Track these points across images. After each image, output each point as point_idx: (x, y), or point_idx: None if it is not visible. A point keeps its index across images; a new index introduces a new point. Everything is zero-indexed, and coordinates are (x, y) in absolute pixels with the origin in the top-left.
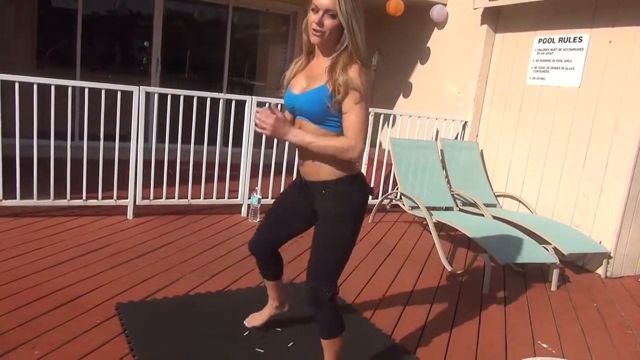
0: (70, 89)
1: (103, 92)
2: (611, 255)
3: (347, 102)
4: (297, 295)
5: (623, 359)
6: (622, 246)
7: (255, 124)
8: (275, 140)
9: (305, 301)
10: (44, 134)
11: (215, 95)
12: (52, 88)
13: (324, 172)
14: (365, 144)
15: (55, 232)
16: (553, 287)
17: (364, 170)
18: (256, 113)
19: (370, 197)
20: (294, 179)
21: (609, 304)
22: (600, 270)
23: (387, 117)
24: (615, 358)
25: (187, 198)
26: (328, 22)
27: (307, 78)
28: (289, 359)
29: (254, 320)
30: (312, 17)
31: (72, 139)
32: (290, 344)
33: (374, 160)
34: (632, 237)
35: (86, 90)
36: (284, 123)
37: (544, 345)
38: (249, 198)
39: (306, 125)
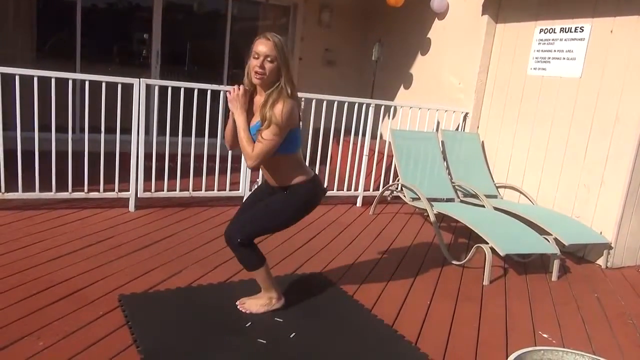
0: (70, 82)
1: (103, 84)
2: (612, 245)
3: (267, 130)
4: (298, 286)
5: (624, 349)
6: (622, 237)
7: (229, 90)
8: None
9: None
10: (44, 127)
11: (215, 87)
12: (53, 81)
13: (283, 181)
14: (257, 164)
15: (57, 224)
16: (554, 278)
17: (365, 162)
18: (236, 85)
19: (323, 194)
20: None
21: (610, 294)
22: (600, 261)
23: (387, 108)
24: (616, 348)
25: (188, 190)
26: (268, 65)
27: (256, 110)
28: (291, 349)
29: (244, 299)
30: (254, 63)
31: (73, 131)
32: (292, 334)
33: (374, 152)
34: (633, 228)
35: (86, 83)
36: (243, 104)
37: (545, 336)
38: (250, 190)
39: None
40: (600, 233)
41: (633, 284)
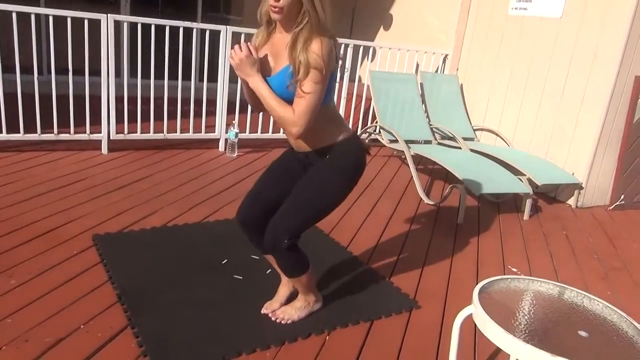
0: (33, 17)
1: (69, 20)
2: (582, 186)
3: (308, 79)
4: None
5: (588, 282)
6: (593, 177)
7: (230, 54)
8: None
9: (265, 246)
10: (8, 68)
11: (188, 24)
12: (14, 15)
13: (319, 142)
14: (306, 127)
15: (26, 166)
16: (525, 217)
17: (343, 104)
18: (237, 45)
19: (367, 157)
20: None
21: (578, 232)
22: (571, 201)
23: (366, 49)
24: (581, 281)
25: (162, 132)
26: None
27: (272, 55)
28: (267, 284)
29: (271, 306)
30: None
31: (40, 73)
32: (268, 270)
33: (353, 95)
34: (604, 168)
35: (50, 19)
36: (253, 65)
37: (514, 270)
38: (226, 132)
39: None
40: (573, 174)
41: (601, 222)
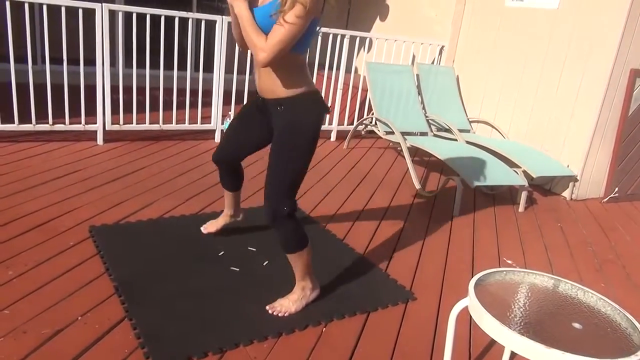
0: (27, 6)
1: (63, 9)
2: (577, 178)
3: (291, 12)
4: None
5: (582, 273)
6: (588, 170)
7: None
8: (248, 67)
9: (265, 220)
10: (2, 58)
11: (184, 14)
12: (7, 4)
13: (279, 89)
14: (274, 57)
15: (22, 157)
16: (520, 209)
17: (339, 96)
18: None
19: (327, 115)
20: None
21: (573, 223)
22: (566, 193)
23: (363, 40)
24: (575, 272)
25: (158, 123)
26: None
27: None
28: (264, 276)
29: (210, 227)
30: None
31: (34, 62)
32: (265, 262)
33: (349, 86)
34: (599, 161)
35: (44, 7)
36: None
37: (509, 261)
38: (222, 123)
39: None
40: (568, 166)
41: (595, 214)
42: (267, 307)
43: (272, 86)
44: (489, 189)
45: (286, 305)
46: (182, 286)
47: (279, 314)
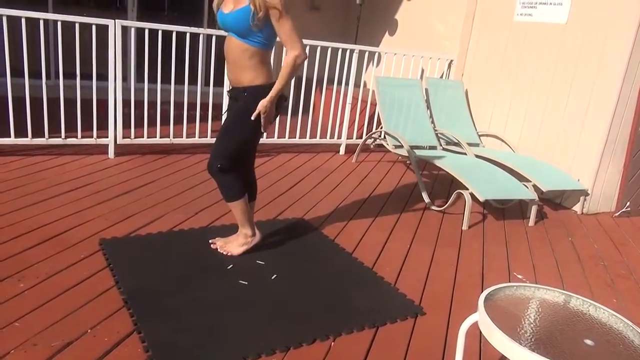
0: (42, 22)
1: (77, 25)
2: (588, 192)
3: (273, 22)
4: (281, 231)
5: (594, 289)
6: (599, 184)
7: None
8: None
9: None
10: (17, 72)
11: (194, 30)
12: (23, 21)
13: (245, 80)
14: (303, 45)
15: (34, 170)
16: (531, 223)
17: (348, 110)
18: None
19: (283, 101)
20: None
21: (584, 238)
22: (577, 207)
23: (372, 55)
24: (586, 288)
25: (169, 137)
26: None
27: (233, 1)
28: (272, 290)
29: (217, 240)
30: None
31: (48, 77)
32: (274, 276)
33: (358, 100)
34: (610, 175)
35: (59, 24)
36: (269, 106)
37: (519, 276)
38: None
39: (233, 40)
40: (578, 180)
41: (607, 229)
42: (210, 242)
43: (239, 77)
44: (498, 202)
45: (231, 247)
46: (191, 299)
47: (224, 253)
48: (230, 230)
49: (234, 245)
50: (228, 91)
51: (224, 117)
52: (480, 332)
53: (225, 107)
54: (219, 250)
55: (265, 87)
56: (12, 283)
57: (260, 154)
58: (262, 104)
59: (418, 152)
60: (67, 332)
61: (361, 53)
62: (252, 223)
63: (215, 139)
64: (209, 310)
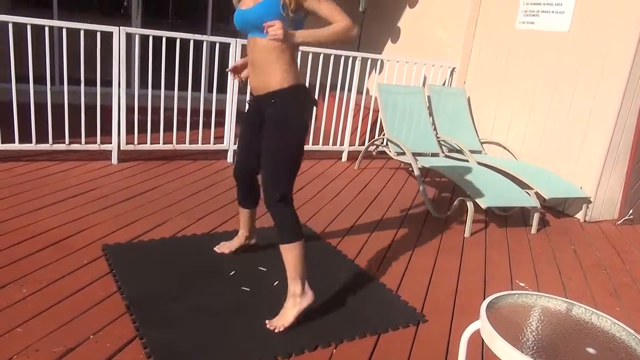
0: (47, 29)
1: (82, 32)
2: (591, 200)
3: (308, 4)
4: None
5: (596, 297)
6: (602, 191)
7: (270, 35)
8: None
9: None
10: (21, 78)
11: (198, 37)
12: (28, 27)
13: (273, 83)
14: (351, 20)
15: (38, 176)
16: (533, 231)
17: (350, 117)
18: (267, 27)
19: (315, 107)
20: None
21: (586, 246)
22: (579, 215)
23: (374, 62)
24: (588, 295)
25: (172, 143)
26: None
27: None
28: (274, 297)
29: (224, 247)
30: None
31: (52, 83)
32: (276, 282)
33: (360, 107)
34: (612, 183)
35: (64, 31)
36: (286, 28)
37: (522, 284)
38: (235, 144)
39: (258, 41)
40: (581, 188)
41: (609, 236)
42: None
43: (265, 81)
44: (500, 210)
45: (283, 321)
46: (193, 306)
47: (277, 330)
48: (233, 236)
49: (284, 318)
50: (249, 100)
51: (232, 124)
52: (482, 340)
53: (233, 115)
54: (275, 331)
55: (296, 88)
56: (15, 289)
57: None
58: (281, 26)
59: (420, 159)
60: (70, 338)
61: (364, 60)
62: (305, 277)
63: (237, 151)
64: (211, 316)
